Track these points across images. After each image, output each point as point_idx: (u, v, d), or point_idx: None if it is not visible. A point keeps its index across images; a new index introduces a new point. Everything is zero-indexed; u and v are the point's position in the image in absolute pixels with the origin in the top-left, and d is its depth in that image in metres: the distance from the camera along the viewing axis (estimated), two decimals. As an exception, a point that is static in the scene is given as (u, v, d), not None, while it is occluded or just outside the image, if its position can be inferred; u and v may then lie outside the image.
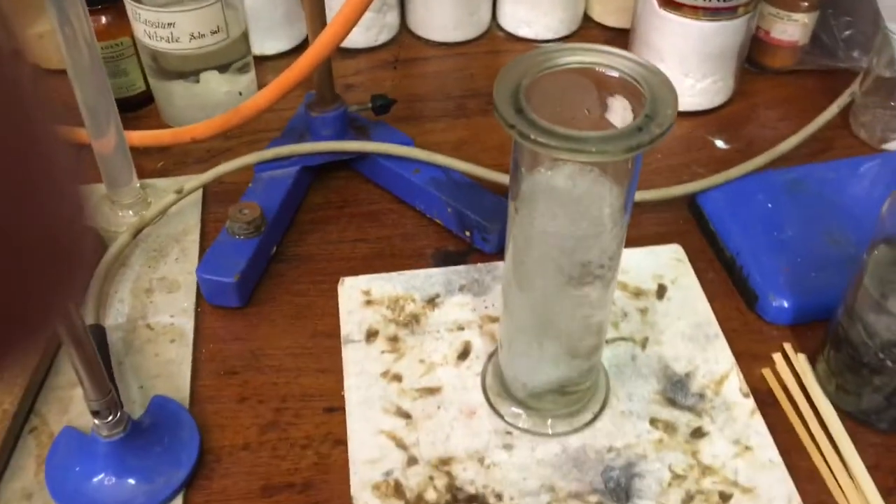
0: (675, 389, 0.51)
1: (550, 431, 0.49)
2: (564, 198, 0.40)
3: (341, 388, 0.52)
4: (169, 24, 0.62)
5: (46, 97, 0.17)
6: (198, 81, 0.68)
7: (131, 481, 0.46)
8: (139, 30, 0.64)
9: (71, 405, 0.50)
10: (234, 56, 0.68)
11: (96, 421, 0.44)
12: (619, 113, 0.39)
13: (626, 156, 0.34)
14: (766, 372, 0.53)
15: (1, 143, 0.15)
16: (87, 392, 0.43)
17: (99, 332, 0.52)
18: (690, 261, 0.59)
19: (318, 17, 0.56)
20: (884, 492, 0.46)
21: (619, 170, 0.38)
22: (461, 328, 0.55)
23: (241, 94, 0.70)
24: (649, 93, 0.36)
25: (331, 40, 0.54)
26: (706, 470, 0.48)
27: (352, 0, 0.52)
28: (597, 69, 0.38)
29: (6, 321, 0.16)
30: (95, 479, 0.45)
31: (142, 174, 0.65)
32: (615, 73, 0.37)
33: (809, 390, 0.51)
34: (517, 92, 0.36)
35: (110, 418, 0.44)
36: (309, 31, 0.57)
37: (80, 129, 0.58)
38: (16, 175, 0.16)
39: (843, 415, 0.50)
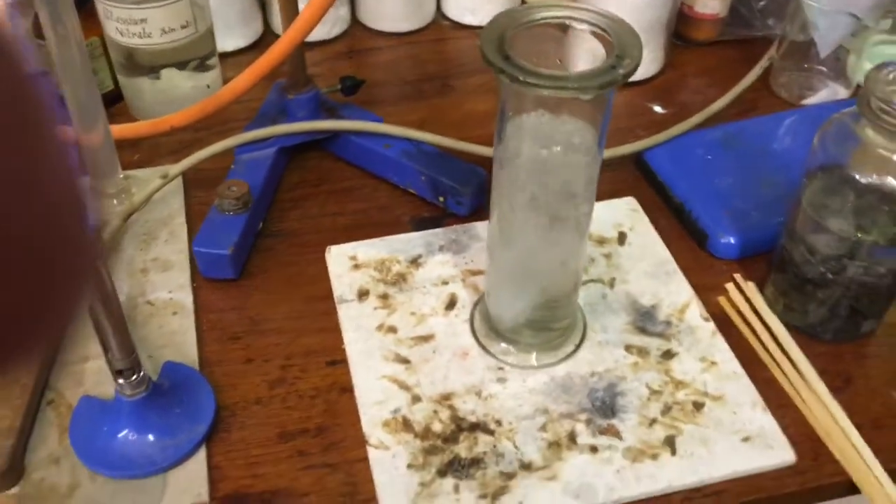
0: (644, 319, 0.57)
1: (537, 363, 0.54)
2: (545, 135, 0.45)
3: (341, 343, 0.55)
4: (141, 21, 0.65)
5: (48, 98, 0.17)
6: (158, 78, 0.70)
7: (154, 438, 0.48)
8: (111, 28, 0.66)
9: (84, 378, 0.53)
10: (202, 51, 0.71)
11: (120, 381, 0.47)
12: (588, 62, 0.44)
13: (604, 90, 0.40)
14: (722, 300, 0.59)
15: (8, 143, 0.15)
16: (113, 351, 0.45)
17: (105, 307, 0.54)
18: (644, 210, 0.65)
19: (290, 4, 0.60)
20: (833, 391, 0.53)
21: (594, 107, 0.43)
22: (445, 283, 0.59)
23: (208, 86, 0.73)
24: (616, 39, 0.41)
25: (304, 25, 0.58)
26: (679, 384, 0.53)
27: (324, -16, 0.56)
28: (567, 23, 0.43)
29: (15, 320, 0.16)
30: (120, 436, 0.48)
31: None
32: (585, 26, 0.42)
33: (760, 312, 0.58)
34: (502, 42, 0.41)
35: (134, 377, 0.47)
36: (282, 17, 0.60)
37: (66, 126, 0.60)
38: (23, 175, 0.16)
39: (792, 330, 0.56)
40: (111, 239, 0.60)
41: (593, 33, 0.42)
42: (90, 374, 0.53)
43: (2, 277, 0.16)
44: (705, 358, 0.55)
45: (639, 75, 0.79)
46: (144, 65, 0.69)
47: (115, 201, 0.64)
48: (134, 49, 0.68)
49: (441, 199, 0.64)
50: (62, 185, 0.17)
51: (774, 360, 0.55)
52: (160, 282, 0.59)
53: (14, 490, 0.47)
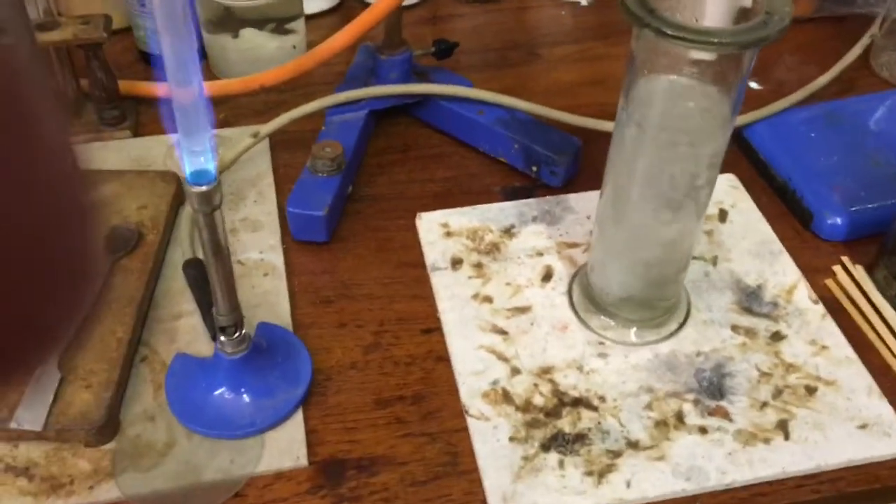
0: (750, 299, 0.55)
1: (638, 339, 0.52)
2: (675, 102, 0.42)
3: (435, 311, 0.54)
4: (233, -24, 0.64)
5: (57, 107, 0.17)
6: (237, 36, 0.69)
7: (252, 398, 0.47)
8: (202, -17, 0.65)
9: (177, 335, 0.52)
10: (291, 11, 0.69)
11: (223, 338, 0.46)
12: (725, 19, 0.41)
13: (755, 47, 0.37)
14: (830, 282, 0.56)
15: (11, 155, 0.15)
16: (219, 307, 0.44)
17: (199, 265, 0.53)
18: (745, 188, 0.62)
19: (391, -39, 0.58)
20: (951, 380, 0.50)
21: (733, 70, 0.41)
22: (540, 254, 0.57)
23: (294, 47, 0.71)
24: (762, -5, 0.39)
25: (406, -19, 0.57)
26: (790, 367, 0.51)
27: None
28: (710, -23, 0.40)
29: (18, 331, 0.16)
30: (217, 394, 0.47)
31: (204, 126, 0.66)
32: (728, -20, 0.40)
33: (871, 296, 0.55)
34: (643, -3, 0.39)
35: (237, 335, 0.46)
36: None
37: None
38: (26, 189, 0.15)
39: (906, 316, 0.54)
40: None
41: (736, -10, 0.40)
42: (183, 331, 0.52)
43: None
44: (816, 341, 0.52)
45: (733, 50, 0.76)
46: (233, 22, 0.68)
47: (202, 159, 0.62)
48: (229, 6, 0.66)
49: (534, 168, 0.62)
50: (58, 190, 0.17)
51: (888, 346, 0.52)
52: (250, 242, 0.57)
53: (110, 445, 0.46)
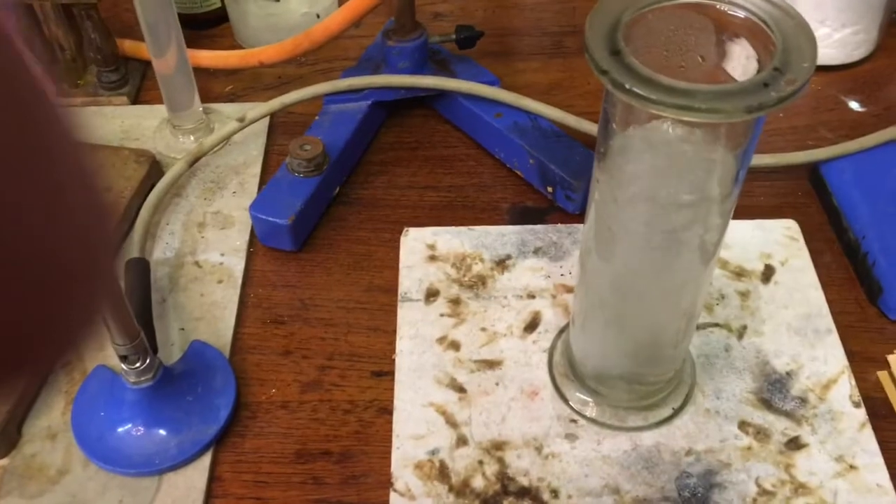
0: (773, 390, 0.44)
1: (621, 424, 0.43)
2: (662, 162, 0.33)
3: (393, 350, 0.47)
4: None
5: (67, 107, 0.16)
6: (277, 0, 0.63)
7: (160, 432, 0.42)
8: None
9: (108, 342, 0.47)
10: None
11: (124, 366, 0.41)
12: (742, 63, 0.31)
13: (745, 117, 0.27)
14: (884, 376, 0.45)
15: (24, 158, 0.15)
16: (112, 335, 0.39)
17: (142, 265, 0.48)
18: (806, 240, 0.51)
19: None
20: None
21: (733, 132, 0.31)
22: (531, 296, 0.49)
23: (318, 16, 0.64)
24: (781, 40, 0.29)
25: (412, -40, 0.48)
26: (800, 488, 0.41)
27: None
28: (718, 6, 0.30)
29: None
30: (121, 429, 0.42)
31: (209, 98, 0.61)
32: (740, 13, 0.30)
33: (935, 406, 0.44)
34: (615, 29, 0.29)
35: (138, 364, 0.41)
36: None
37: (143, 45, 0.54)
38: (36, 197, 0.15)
39: (975, 440, 0.42)
40: (172, 182, 0.54)
41: (750, 27, 0.30)
42: (116, 338, 0.47)
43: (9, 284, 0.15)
44: (844, 458, 0.42)
45: (839, 58, 0.63)
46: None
47: (192, 138, 0.57)
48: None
49: (549, 189, 0.53)
50: (73, 189, 0.17)
51: (941, 477, 0.41)
52: (215, 241, 0.52)
53: (2, 461, 0.42)
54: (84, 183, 0.17)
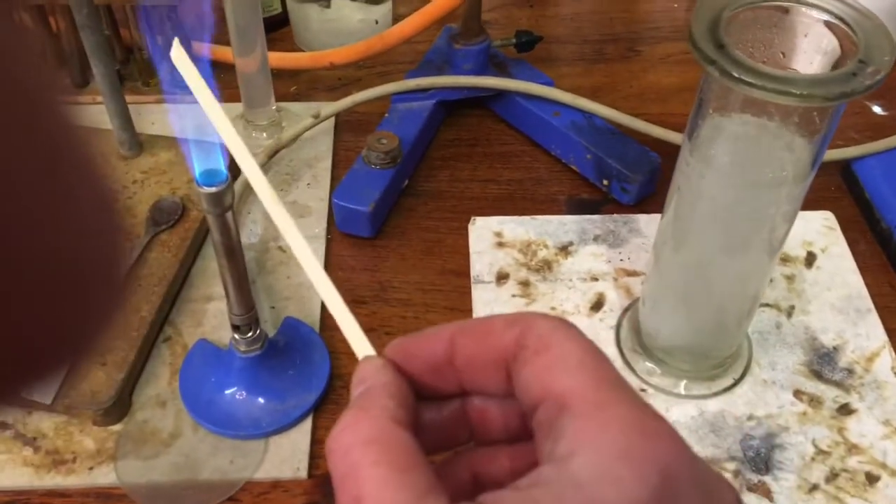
0: (822, 362, 0.49)
1: (685, 392, 0.47)
2: (747, 146, 0.37)
3: (470, 327, 0.50)
4: (316, -55, 0.61)
5: (72, 111, 0.16)
6: (328, 6, 0.67)
7: (262, 399, 0.46)
8: (284, -51, 0.63)
9: (204, 318, 0.51)
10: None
11: (236, 335, 0.44)
12: (817, 59, 0.36)
13: (835, 102, 0.32)
14: (921, 354, 0.50)
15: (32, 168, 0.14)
16: (232, 306, 0.43)
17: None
18: (842, 230, 0.56)
19: (473, -56, 0.54)
20: None
21: (810, 120, 0.35)
22: (595, 279, 0.53)
23: (377, 22, 0.68)
24: (862, 36, 0.33)
25: (486, -31, 0.52)
26: (853, 448, 0.45)
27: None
28: (803, 8, 0.35)
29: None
30: (228, 392, 0.46)
31: (275, 97, 0.65)
32: (824, 15, 0.34)
33: (968, 377, 0.48)
34: (716, 26, 0.34)
35: (250, 334, 0.44)
36: (463, -42, 0.55)
37: (225, 48, 0.58)
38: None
39: None
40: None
41: (832, 25, 0.34)
42: (211, 315, 0.51)
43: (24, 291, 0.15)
44: (890, 422, 0.46)
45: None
46: (314, -8, 0.66)
47: (264, 134, 0.61)
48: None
49: (605, 182, 0.57)
50: (92, 198, 0.16)
51: (977, 439, 0.46)
52: (295, 228, 0.55)
53: (117, 427, 0.45)
54: (93, 185, 0.16)
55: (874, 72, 0.32)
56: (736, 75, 0.32)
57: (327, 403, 0.47)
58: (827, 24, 0.34)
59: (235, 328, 0.44)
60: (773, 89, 0.31)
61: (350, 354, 0.50)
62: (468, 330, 0.25)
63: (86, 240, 0.16)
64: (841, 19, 0.34)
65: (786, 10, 0.34)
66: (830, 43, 0.34)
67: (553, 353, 0.23)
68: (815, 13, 0.34)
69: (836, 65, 0.35)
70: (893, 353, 0.49)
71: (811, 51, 0.36)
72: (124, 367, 0.46)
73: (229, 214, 0.38)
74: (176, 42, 0.31)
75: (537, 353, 0.23)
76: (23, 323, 0.15)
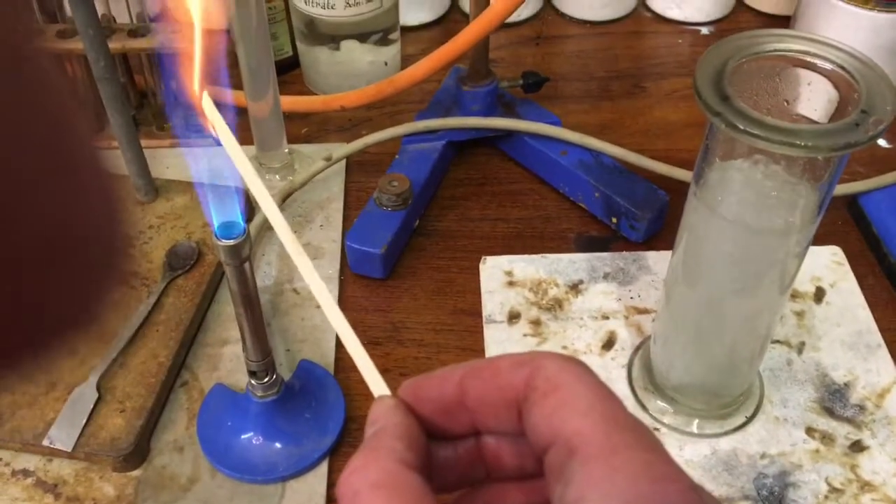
0: (834, 399, 0.49)
1: (698, 431, 0.48)
2: (755, 192, 0.38)
3: (483, 367, 0.51)
4: (326, -9, 0.62)
5: (75, 105, 0.16)
6: (338, 49, 0.68)
7: (279, 444, 0.46)
8: (295, -5, 0.64)
9: (220, 363, 0.51)
10: (385, 24, 0.67)
11: (252, 381, 0.45)
12: (822, 106, 0.36)
13: (839, 153, 0.32)
14: (932, 389, 0.50)
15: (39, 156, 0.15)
16: (248, 352, 0.43)
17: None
18: (850, 265, 0.56)
19: (481, -9, 0.55)
20: None
21: (816, 167, 0.36)
22: (606, 317, 0.53)
23: (386, 64, 0.69)
24: (865, 87, 0.34)
25: (495, 18, 0.53)
26: (865, 486, 0.45)
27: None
28: (807, 58, 0.35)
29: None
30: (245, 437, 0.46)
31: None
32: (827, 65, 0.35)
33: (980, 412, 0.48)
34: (720, 77, 0.34)
35: (266, 379, 0.45)
36: (471, 5, 0.56)
37: (238, 92, 0.59)
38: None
39: None
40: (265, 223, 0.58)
41: (834, 75, 0.35)
42: (227, 359, 0.51)
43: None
44: (903, 459, 0.46)
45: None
46: (325, 34, 0.67)
47: (277, 176, 0.62)
48: (315, 18, 0.65)
49: (614, 220, 0.58)
50: (94, 183, 0.17)
51: None
52: (308, 270, 0.56)
53: (136, 472, 0.46)
54: (97, 172, 0.17)
55: (876, 122, 0.32)
56: (741, 127, 0.32)
57: (343, 446, 0.48)
58: (830, 73, 0.35)
59: (252, 374, 0.45)
60: (779, 141, 0.32)
61: (365, 396, 0.50)
62: (478, 371, 0.25)
63: (85, 208, 0.16)
64: (843, 68, 0.35)
65: (789, 61, 0.35)
66: (834, 91, 0.35)
67: (562, 394, 0.23)
68: (818, 62, 0.35)
69: (838, 109, 0.35)
70: (905, 389, 0.49)
71: (815, 98, 0.36)
72: (143, 413, 0.47)
73: (247, 265, 0.39)
74: (205, 94, 0.32)
75: (546, 394, 0.23)
76: (23, 289, 0.15)
